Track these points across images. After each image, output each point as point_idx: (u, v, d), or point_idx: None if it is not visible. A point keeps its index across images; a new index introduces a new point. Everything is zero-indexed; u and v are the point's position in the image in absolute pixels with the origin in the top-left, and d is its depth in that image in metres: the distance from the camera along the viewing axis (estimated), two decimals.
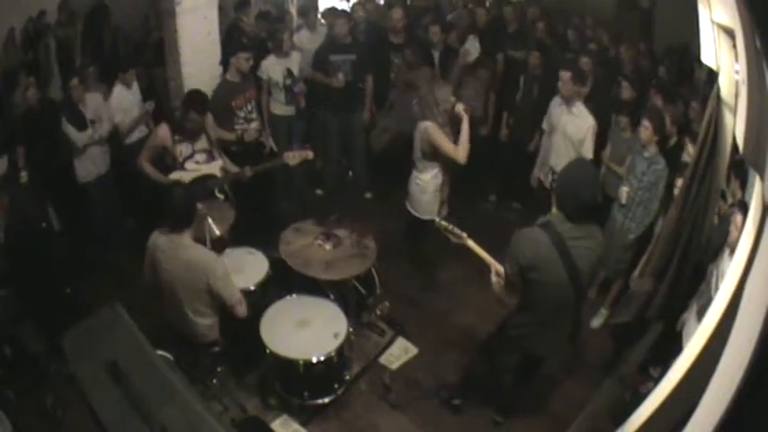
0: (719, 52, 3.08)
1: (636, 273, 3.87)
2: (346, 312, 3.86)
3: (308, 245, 4.03)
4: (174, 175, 4.29)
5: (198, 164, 4.41)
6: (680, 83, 5.42)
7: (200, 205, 3.57)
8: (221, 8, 5.44)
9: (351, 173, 6.51)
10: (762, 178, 2.10)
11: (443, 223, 3.43)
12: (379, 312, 4.39)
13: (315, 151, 4.68)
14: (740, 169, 3.04)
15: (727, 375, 1.68)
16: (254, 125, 5.16)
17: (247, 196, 4.72)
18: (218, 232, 3.89)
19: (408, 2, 7.52)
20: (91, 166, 4.95)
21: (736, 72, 2.72)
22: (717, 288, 2.77)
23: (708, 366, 1.94)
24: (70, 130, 4.71)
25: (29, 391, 3.72)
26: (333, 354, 3.59)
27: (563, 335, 3.26)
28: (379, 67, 5.86)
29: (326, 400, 3.78)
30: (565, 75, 4.61)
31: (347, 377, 3.91)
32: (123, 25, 6.77)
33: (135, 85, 5.18)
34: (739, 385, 1.50)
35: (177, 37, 4.78)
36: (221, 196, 4.50)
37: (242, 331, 3.73)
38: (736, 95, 2.77)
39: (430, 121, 4.19)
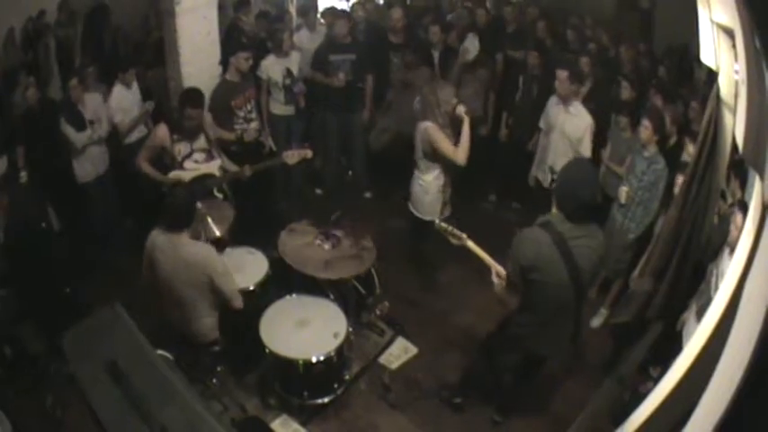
0: (719, 52, 3.08)
1: (636, 272, 3.86)
2: (346, 312, 3.86)
3: (307, 244, 4.03)
4: (173, 175, 4.29)
5: (197, 163, 4.41)
6: (680, 83, 5.42)
7: (199, 205, 3.57)
8: (221, 8, 5.43)
9: (350, 172, 6.51)
10: (761, 178, 2.10)
11: (443, 225, 3.45)
12: (378, 312, 4.39)
13: (314, 151, 4.68)
14: (740, 169, 3.04)
15: (727, 375, 1.68)
16: (254, 125, 5.16)
17: (247, 196, 4.73)
18: (217, 232, 3.89)
19: (408, 2, 7.51)
20: (90, 166, 4.95)
21: (736, 72, 2.72)
22: (716, 288, 2.76)
23: (708, 366, 1.94)
24: (69, 130, 4.71)
25: (29, 391, 3.73)
26: (332, 353, 3.59)
27: (564, 335, 3.26)
28: (379, 67, 5.86)
29: (326, 399, 3.78)
30: (562, 74, 4.62)
31: (347, 377, 3.91)
32: (123, 25, 6.76)
33: (135, 85, 5.18)
34: (739, 385, 1.50)
35: (177, 37, 4.78)
36: (220, 196, 4.50)
37: (242, 331, 3.73)
38: (736, 95, 2.77)
39: (430, 121, 4.18)
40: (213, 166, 4.47)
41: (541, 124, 5.10)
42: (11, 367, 3.86)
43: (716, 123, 3.19)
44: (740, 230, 2.53)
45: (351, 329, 3.81)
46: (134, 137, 5.13)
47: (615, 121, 4.77)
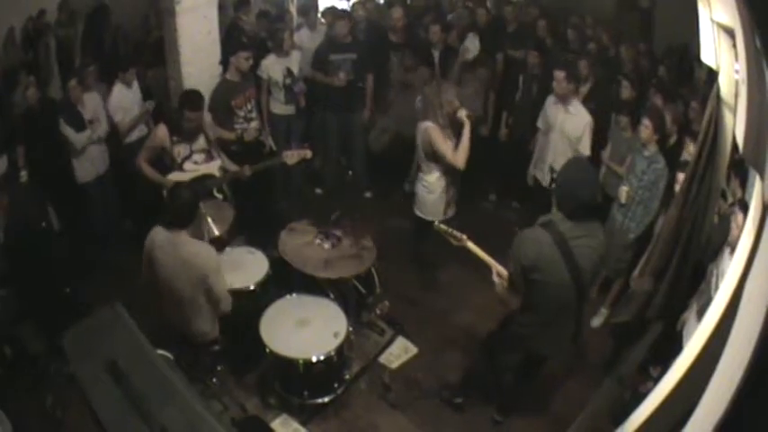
0: (719, 51, 3.07)
1: (636, 272, 3.86)
2: (346, 312, 3.86)
3: (307, 244, 4.03)
4: (173, 176, 4.28)
5: (196, 164, 4.40)
6: (680, 82, 5.42)
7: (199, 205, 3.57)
8: (221, 7, 5.43)
9: (350, 172, 6.51)
10: (762, 177, 2.10)
11: (442, 227, 3.49)
12: (378, 312, 4.39)
13: (314, 150, 4.68)
14: (740, 168, 3.04)
15: (727, 375, 1.68)
16: (254, 124, 5.16)
17: (247, 195, 4.72)
18: (216, 232, 3.90)
19: (408, 1, 7.51)
20: (89, 166, 4.95)
21: (736, 71, 2.72)
22: (717, 287, 2.76)
23: (708, 366, 1.94)
24: (69, 131, 4.71)
25: (29, 391, 3.72)
26: (332, 353, 3.59)
27: (565, 334, 3.26)
28: (380, 67, 5.86)
29: (326, 399, 3.78)
30: (559, 74, 4.64)
31: (347, 376, 3.91)
32: (123, 24, 6.77)
33: (135, 84, 5.18)
34: (739, 385, 1.49)
35: (177, 36, 4.78)
36: (220, 196, 4.50)
37: (242, 330, 3.73)
38: (736, 95, 2.76)
39: (431, 121, 4.18)
40: (213, 167, 4.47)
41: (539, 124, 5.10)
42: (11, 367, 3.86)
43: (716, 123, 3.19)
44: (740, 230, 2.53)
45: (351, 329, 3.81)
46: (134, 136, 5.13)
47: (615, 121, 4.77)
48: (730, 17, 2.59)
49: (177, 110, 4.33)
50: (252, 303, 3.80)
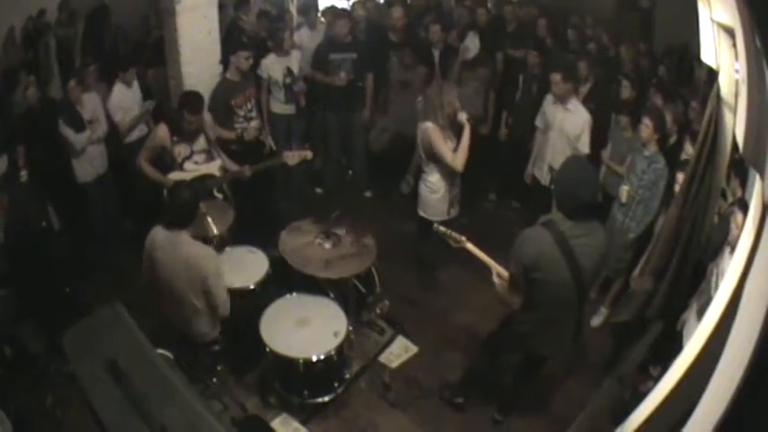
0: (719, 51, 3.08)
1: (636, 272, 3.87)
2: (346, 311, 3.86)
3: (307, 243, 4.03)
4: (173, 176, 4.28)
5: (197, 164, 4.41)
6: (680, 82, 5.42)
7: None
8: (221, 7, 5.43)
9: (350, 172, 6.51)
10: (762, 177, 2.10)
11: (441, 228, 3.51)
12: (378, 311, 4.39)
13: (314, 150, 4.68)
14: (740, 168, 3.03)
15: (727, 375, 1.68)
16: (254, 124, 5.16)
17: (247, 195, 4.72)
18: (216, 231, 3.90)
19: (408, 1, 7.51)
20: (89, 167, 4.95)
21: (736, 71, 2.72)
22: (717, 287, 2.76)
23: (708, 366, 1.94)
24: (68, 132, 4.70)
25: (29, 391, 3.72)
26: (332, 352, 3.59)
27: (566, 334, 3.26)
28: (380, 66, 5.85)
29: (326, 398, 3.78)
30: (556, 77, 4.66)
31: (347, 376, 3.91)
32: (123, 24, 6.76)
33: (135, 84, 5.18)
34: (739, 385, 1.50)
35: (177, 36, 4.77)
36: (220, 196, 4.50)
37: (242, 330, 3.73)
38: (736, 94, 2.77)
39: (431, 121, 4.18)
40: (213, 167, 4.47)
41: (538, 122, 5.10)
42: (11, 367, 3.86)
43: (716, 122, 3.19)
44: (740, 230, 2.53)
45: (351, 328, 3.82)
46: (134, 136, 5.13)
47: (616, 121, 4.77)
48: (730, 17, 2.59)
49: (177, 111, 4.34)
50: (252, 303, 3.80)
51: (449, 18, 6.83)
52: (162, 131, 4.30)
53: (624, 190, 4.28)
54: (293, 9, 7.16)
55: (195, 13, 4.82)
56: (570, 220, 2.92)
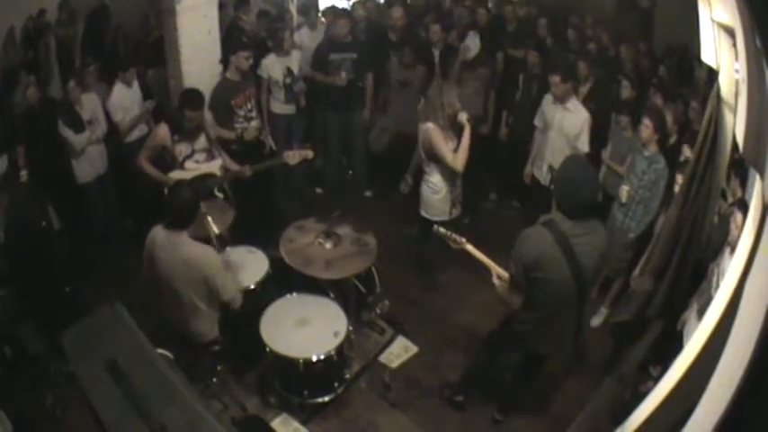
0: (719, 51, 3.08)
1: (636, 271, 3.87)
2: (346, 311, 3.86)
3: (308, 243, 4.03)
4: (174, 175, 4.29)
5: (197, 163, 4.41)
6: (680, 82, 5.41)
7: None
8: (221, 6, 5.43)
9: (351, 172, 6.51)
10: (762, 177, 2.10)
11: (441, 230, 3.51)
12: (378, 311, 4.39)
13: (314, 150, 4.68)
14: (740, 168, 3.03)
15: (727, 375, 1.68)
16: (254, 124, 5.16)
17: (247, 195, 4.72)
18: (216, 231, 3.89)
19: (408, 1, 7.51)
20: (89, 167, 4.95)
21: (736, 71, 2.72)
22: (717, 287, 2.76)
23: (708, 366, 1.94)
24: (68, 133, 4.70)
25: (29, 391, 3.72)
26: (333, 352, 3.59)
27: (566, 333, 3.25)
28: (379, 66, 5.86)
29: (326, 398, 3.78)
30: (555, 78, 4.66)
31: (347, 376, 3.91)
32: (123, 24, 6.76)
33: (135, 84, 5.18)
34: (739, 385, 1.50)
35: (177, 35, 4.78)
36: (220, 195, 4.50)
37: (242, 330, 3.73)
38: (736, 94, 2.77)
39: (431, 122, 4.18)
40: (214, 166, 4.47)
41: (537, 122, 5.10)
42: (11, 367, 3.86)
43: (716, 122, 3.19)
44: (740, 230, 2.53)
45: (351, 328, 3.81)
46: (135, 135, 5.13)
47: (616, 121, 4.77)
48: (730, 17, 2.59)
49: (178, 109, 4.34)
50: (252, 303, 3.80)
51: (449, 18, 6.84)
52: (162, 131, 4.30)
53: (624, 190, 4.28)
54: (293, 9, 7.16)
55: (195, 12, 4.83)
56: (570, 220, 2.92)
